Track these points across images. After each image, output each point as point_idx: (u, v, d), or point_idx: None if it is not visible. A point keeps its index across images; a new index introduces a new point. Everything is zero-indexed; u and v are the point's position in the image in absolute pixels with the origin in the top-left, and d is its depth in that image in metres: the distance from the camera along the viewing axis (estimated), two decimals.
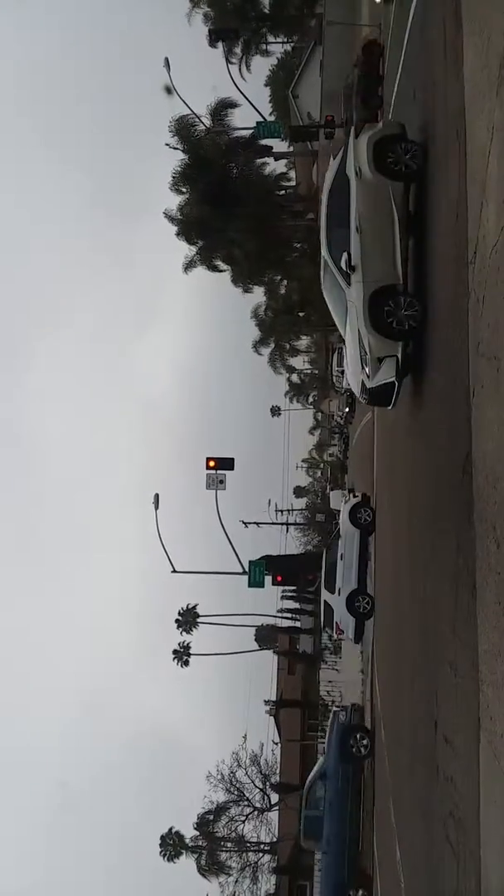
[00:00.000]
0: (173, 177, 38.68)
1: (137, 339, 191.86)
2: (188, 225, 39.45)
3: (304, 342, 63.78)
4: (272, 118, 48.96)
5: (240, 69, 46.92)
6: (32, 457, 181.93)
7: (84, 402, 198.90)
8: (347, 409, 45.96)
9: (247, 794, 37.19)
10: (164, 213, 40.16)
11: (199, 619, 49.29)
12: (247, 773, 37.28)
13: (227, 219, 37.77)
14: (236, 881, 37.27)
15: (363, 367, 11.99)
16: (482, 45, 7.14)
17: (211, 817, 37.90)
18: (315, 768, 22.36)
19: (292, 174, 49.59)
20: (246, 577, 33.39)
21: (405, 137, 11.76)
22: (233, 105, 39.46)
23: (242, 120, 40.06)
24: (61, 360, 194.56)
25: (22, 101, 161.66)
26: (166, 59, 37.69)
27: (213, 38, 43.29)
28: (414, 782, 11.61)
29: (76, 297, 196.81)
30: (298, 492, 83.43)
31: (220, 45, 43.71)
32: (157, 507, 34.45)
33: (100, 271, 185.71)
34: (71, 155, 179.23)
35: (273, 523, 61.09)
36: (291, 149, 46.03)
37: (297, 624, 51.37)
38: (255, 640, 56.19)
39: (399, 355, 11.38)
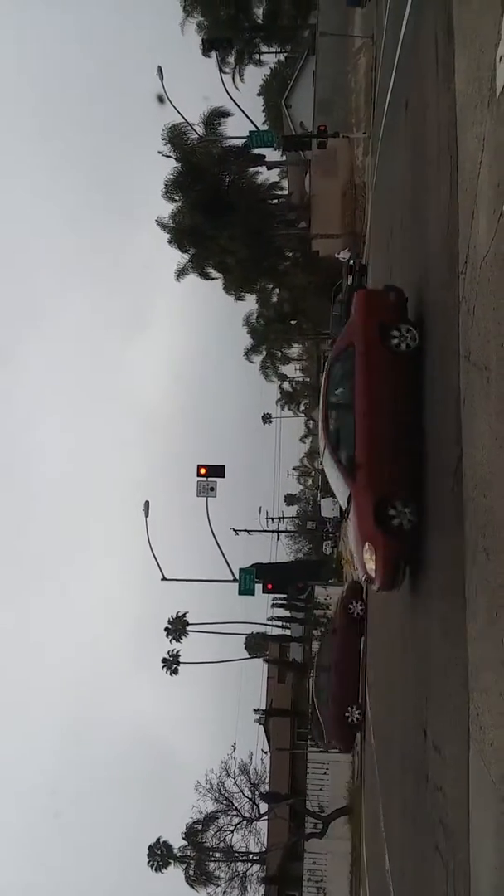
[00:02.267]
0: (166, 185, 38.70)
1: (129, 345, 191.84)
2: (180, 233, 39.45)
3: (295, 350, 63.88)
4: (265, 127, 49.18)
5: (233, 78, 47.16)
6: (21, 463, 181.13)
7: (73, 408, 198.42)
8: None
9: (236, 804, 36.94)
10: (156, 220, 40.20)
11: (188, 628, 49.11)
12: (236, 782, 37.04)
13: (220, 227, 37.79)
14: (224, 891, 36.98)
15: None
16: (473, 57, 7.19)
17: (199, 827, 37.62)
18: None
19: (285, 183, 49.75)
20: (236, 585, 33.32)
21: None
22: (226, 114, 39.53)
23: (235, 129, 40.16)
24: (51, 364, 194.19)
25: (16, 105, 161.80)
26: (159, 68, 37.76)
27: (207, 48, 43.45)
28: (404, 791, 11.58)
29: (66, 302, 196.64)
30: (289, 499, 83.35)
31: (213, 54, 43.88)
32: (147, 515, 34.34)
33: (91, 277, 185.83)
34: (64, 160, 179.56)
35: (264, 531, 61.07)
36: (284, 158, 46.21)
37: (288, 632, 51.24)
38: (245, 648, 56.01)
39: None
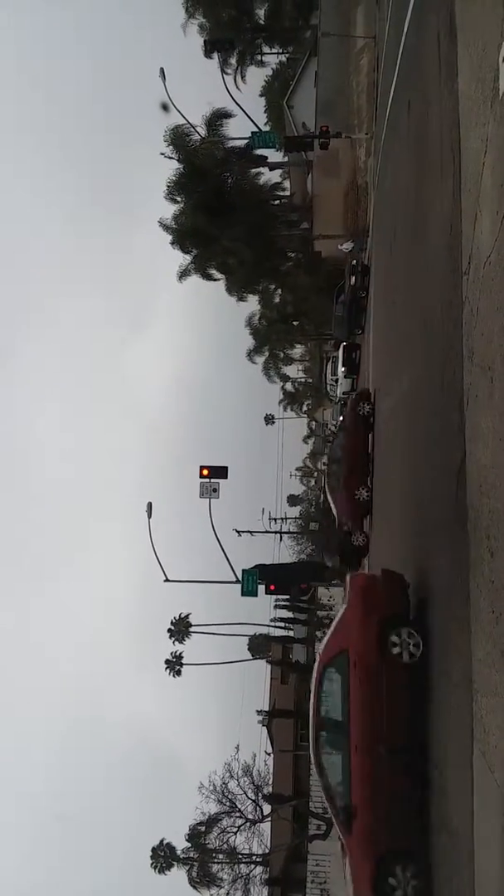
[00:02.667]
0: (168, 186, 38.65)
1: (129, 346, 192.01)
2: (183, 234, 39.42)
3: (298, 351, 63.88)
4: (267, 128, 49.11)
5: (235, 79, 47.09)
6: (21, 463, 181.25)
7: (74, 408, 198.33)
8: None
9: (239, 806, 36.91)
10: (158, 222, 40.20)
11: (191, 629, 49.04)
12: (239, 784, 37.02)
13: (222, 228, 37.75)
14: (228, 893, 36.95)
15: None
16: (476, 58, 7.19)
17: (203, 829, 37.59)
18: None
19: (287, 184, 49.67)
20: (239, 586, 33.27)
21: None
22: (228, 115, 39.44)
23: (237, 130, 40.06)
24: (51, 364, 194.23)
25: (17, 105, 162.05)
26: (161, 70, 37.75)
27: (209, 49, 43.44)
28: None
29: (66, 302, 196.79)
30: (292, 500, 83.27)
31: (215, 55, 43.84)
32: (149, 516, 34.29)
33: (91, 277, 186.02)
34: (64, 160, 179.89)
35: (267, 532, 60.90)
36: (286, 159, 46.12)
37: (291, 633, 51.15)
38: (249, 649, 55.91)
39: None
